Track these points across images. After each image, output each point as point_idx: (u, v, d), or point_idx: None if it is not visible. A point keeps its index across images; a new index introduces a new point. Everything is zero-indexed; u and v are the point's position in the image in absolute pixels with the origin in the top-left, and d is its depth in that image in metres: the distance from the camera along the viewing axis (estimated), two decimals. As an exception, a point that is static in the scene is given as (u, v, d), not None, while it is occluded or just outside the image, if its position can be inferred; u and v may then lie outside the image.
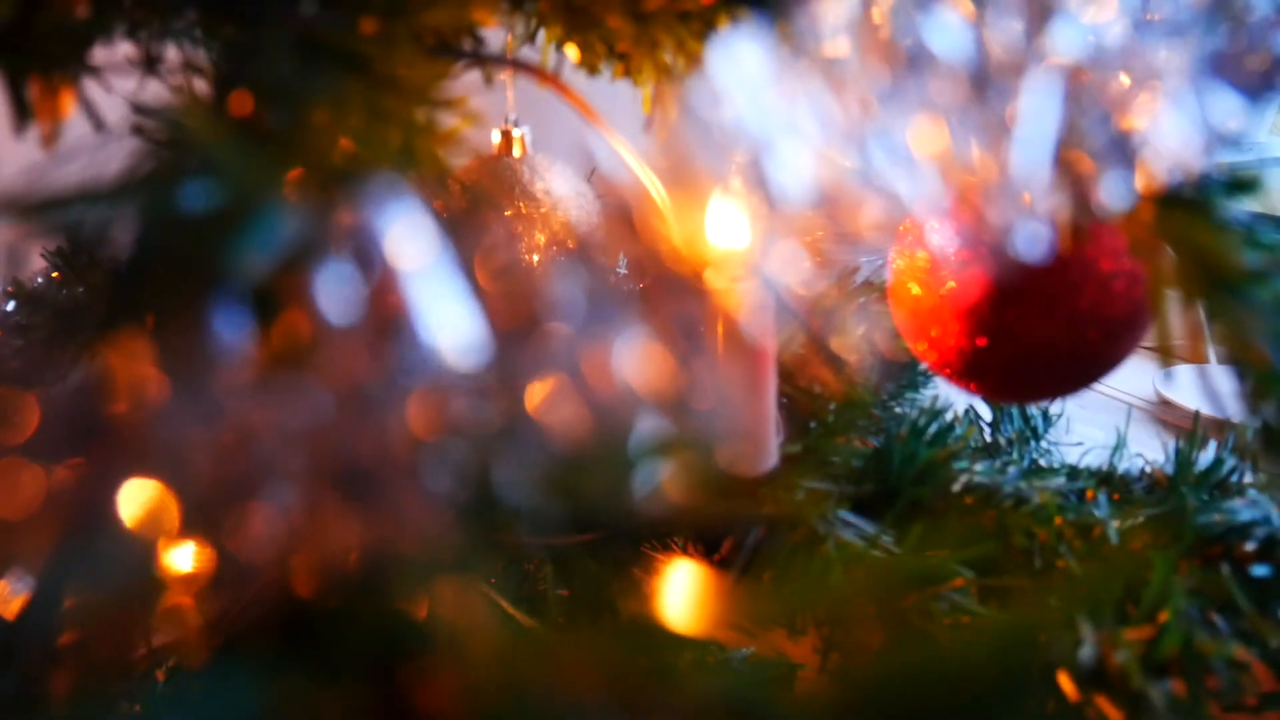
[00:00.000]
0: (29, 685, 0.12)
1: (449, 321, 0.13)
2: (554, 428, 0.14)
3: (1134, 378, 1.22)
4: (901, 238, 0.43)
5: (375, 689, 0.11)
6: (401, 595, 0.11)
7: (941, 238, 0.40)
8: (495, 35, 0.46)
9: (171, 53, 0.34)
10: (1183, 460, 0.48)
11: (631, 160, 0.42)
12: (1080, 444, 0.74)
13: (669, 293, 0.16)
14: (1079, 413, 0.86)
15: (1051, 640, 0.37)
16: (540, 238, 0.68)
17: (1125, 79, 0.17)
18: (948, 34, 0.17)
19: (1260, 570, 0.42)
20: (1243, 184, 0.22)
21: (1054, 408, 0.81)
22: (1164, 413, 1.17)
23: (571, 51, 0.46)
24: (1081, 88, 0.16)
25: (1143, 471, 0.60)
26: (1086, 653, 0.35)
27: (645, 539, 0.47)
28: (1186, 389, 1.17)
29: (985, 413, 0.77)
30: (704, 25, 0.38)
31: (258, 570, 0.12)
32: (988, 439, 0.75)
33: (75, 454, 0.14)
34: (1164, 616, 0.39)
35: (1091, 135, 0.17)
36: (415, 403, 0.12)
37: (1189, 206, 0.25)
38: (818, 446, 0.57)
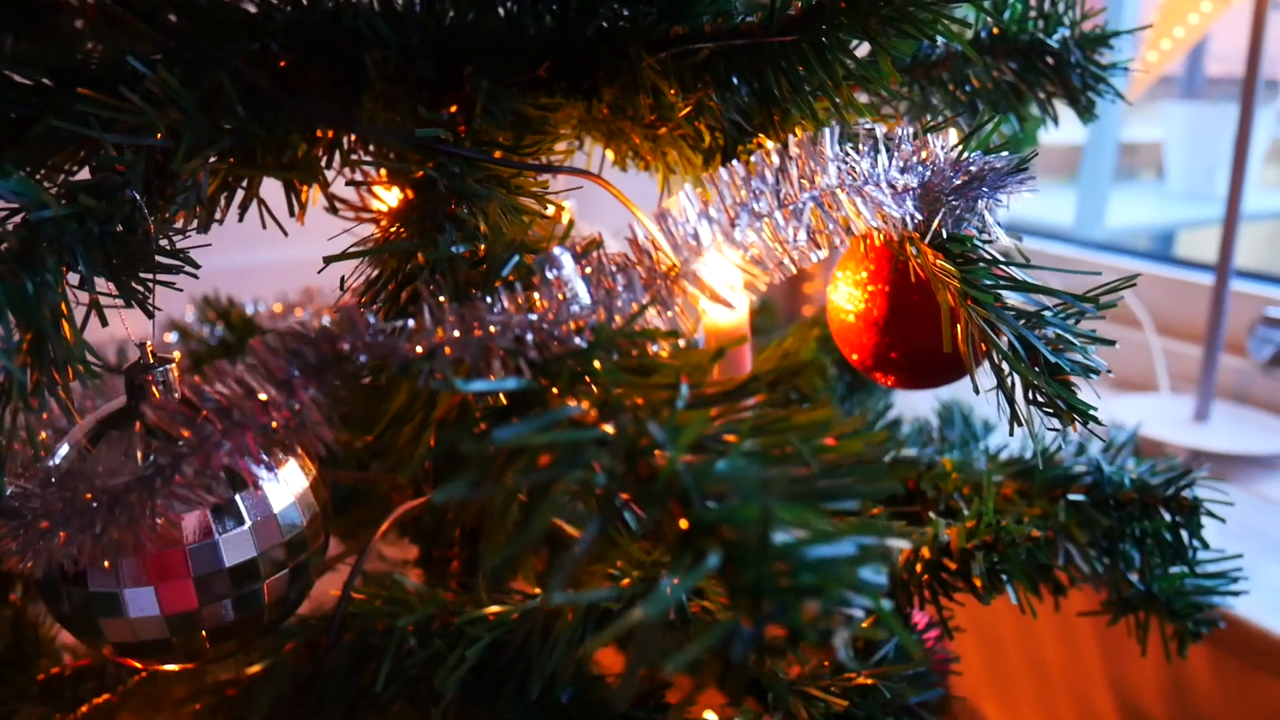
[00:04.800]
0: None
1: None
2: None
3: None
4: (833, 273, 0.63)
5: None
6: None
7: (856, 273, 0.60)
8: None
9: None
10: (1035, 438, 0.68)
11: (652, 229, 0.63)
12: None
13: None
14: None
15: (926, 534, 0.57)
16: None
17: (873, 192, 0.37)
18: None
19: (1077, 498, 0.61)
20: (956, 239, 0.42)
21: (992, 417, 1.00)
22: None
23: (609, 153, 0.68)
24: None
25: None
26: (941, 537, 0.55)
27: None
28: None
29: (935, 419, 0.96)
30: (697, 143, 0.59)
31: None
32: (935, 437, 0.94)
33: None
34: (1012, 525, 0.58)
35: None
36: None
37: (944, 250, 0.45)
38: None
